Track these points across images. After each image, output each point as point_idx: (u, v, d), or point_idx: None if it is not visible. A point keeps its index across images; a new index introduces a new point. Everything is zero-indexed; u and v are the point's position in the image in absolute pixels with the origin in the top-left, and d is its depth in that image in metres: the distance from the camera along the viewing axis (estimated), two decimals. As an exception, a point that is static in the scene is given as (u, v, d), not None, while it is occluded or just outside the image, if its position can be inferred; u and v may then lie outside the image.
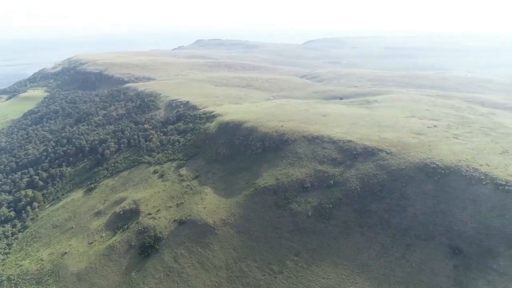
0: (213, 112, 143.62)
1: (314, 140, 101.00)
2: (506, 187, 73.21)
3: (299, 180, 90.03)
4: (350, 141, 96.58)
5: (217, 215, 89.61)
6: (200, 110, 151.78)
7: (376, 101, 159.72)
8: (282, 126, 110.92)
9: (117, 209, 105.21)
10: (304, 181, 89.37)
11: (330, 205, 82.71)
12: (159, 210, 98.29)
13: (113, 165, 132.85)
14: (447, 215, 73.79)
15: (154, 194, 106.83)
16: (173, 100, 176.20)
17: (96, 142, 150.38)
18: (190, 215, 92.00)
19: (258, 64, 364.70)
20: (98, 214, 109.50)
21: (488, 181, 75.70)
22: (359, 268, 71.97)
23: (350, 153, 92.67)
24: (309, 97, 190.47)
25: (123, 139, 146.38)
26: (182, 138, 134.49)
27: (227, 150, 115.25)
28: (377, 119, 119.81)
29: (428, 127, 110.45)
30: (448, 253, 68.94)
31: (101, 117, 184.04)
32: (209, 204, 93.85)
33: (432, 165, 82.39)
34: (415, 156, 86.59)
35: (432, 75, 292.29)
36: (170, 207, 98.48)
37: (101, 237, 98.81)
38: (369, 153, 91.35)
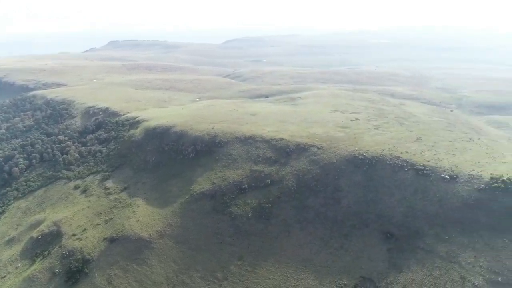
0: (137, 117, 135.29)
1: (247, 140, 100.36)
2: (425, 171, 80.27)
3: (236, 182, 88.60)
4: (282, 139, 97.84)
5: (152, 228, 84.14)
6: (122, 116, 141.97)
7: (300, 98, 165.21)
8: (213, 128, 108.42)
9: (34, 233, 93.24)
10: (241, 182, 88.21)
11: (269, 205, 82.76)
12: (85, 229, 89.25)
13: (24, 184, 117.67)
14: (377, 203, 78.52)
15: (77, 212, 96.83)
16: (90, 107, 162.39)
17: (1, 159, 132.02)
18: (122, 231, 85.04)
19: (180, 65, 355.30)
20: (11, 242, 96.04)
21: (409, 167, 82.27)
22: (302, 264, 73.08)
23: (284, 151, 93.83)
24: (235, 97, 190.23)
25: (34, 154, 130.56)
26: (105, 148, 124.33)
27: (156, 157, 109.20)
28: (304, 116, 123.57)
29: (351, 120, 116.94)
30: (381, 238, 73.31)
31: (3, 131, 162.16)
32: (143, 217, 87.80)
33: (360, 157, 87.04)
34: (344, 149, 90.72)
35: (346, 71, 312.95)
36: (98, 224, 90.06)
37: (16, 268, 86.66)
38: (301, 149, 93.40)
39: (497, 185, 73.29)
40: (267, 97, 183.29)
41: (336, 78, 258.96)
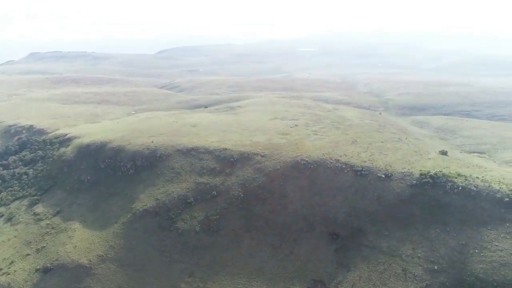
0: (67, 134, 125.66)
1: (189, 152, 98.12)
2: (363, 172, 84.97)
3: (181, 196, 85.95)
4: (226, 149, 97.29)
5: (92, 252, 78.12)
6: (50, 134, 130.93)
7: (240, 106, 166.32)
8: (152, 141, 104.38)
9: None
10: (187, 196, 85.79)
11: (217, 216, 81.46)
12: (12, 262, 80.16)
13: None
14: (322, 205, 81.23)
15: (2, 244, 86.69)
16: (11, 126, 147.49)
17: None
18: (57, 259, 77.84)
19: (111, 77, 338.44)
20: None
21: (348, 169, 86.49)
22: (254, 273, 72.83)
23: (228, 161, 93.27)
24: (173, 108, 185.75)
25: None
26: (32, 170, 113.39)
27: (92, 176, 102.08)
28: (245, 124, 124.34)
29: (291, 127, 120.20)
30: (328, 239, 75.85)
31: None
32: (80, 242, 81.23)
33: (302, 162, 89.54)
34: (287, 155, 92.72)
35: (281, 78, 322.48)
36: (28, 255, 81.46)
37: None
38: (245, 158, 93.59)
39: (426, 180, 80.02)
40: (206, 107, 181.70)
41: (272, 86, 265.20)
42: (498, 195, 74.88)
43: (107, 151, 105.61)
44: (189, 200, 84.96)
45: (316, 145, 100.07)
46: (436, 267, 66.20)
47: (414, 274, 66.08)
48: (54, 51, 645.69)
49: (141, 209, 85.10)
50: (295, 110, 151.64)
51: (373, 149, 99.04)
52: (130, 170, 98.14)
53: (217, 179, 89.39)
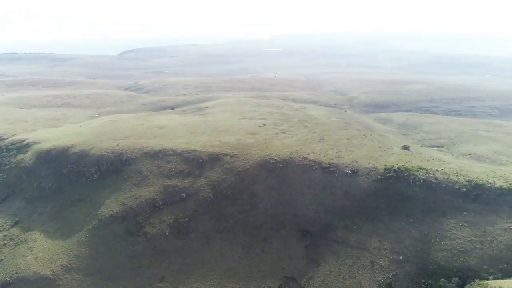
0: (25, 140, 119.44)
1: (157, 155, 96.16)
2: (330, 169, 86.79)
3: (149, 200, 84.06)
4: (194, 150, 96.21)
5: (55, 263, 74.76)
6: (6, 140, 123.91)
7: (208, 107, 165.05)
8: (118, 145, 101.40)
9: None
10: (155, 199, 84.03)
11: (187, 219, 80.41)
12: (-33, 278, 75.10)
13: None
14: (292, 203, 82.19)
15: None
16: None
17: None
18: (16, 272, 73.85)
19: (73, 79, 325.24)
20: None
21: (316, 167, 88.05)
22: (226, 274, 72.52)
23: (197, 162, 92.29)
24: (139, 110, 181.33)
25: None
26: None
27: (53, 182, 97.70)
28: (213, 125, 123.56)
29: (259, 127, 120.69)
30: (298, 236, 76.84)
31: None
32: (42, 252, 77.51)
33: (271, 161, 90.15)
34: (256, 155, 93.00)
35: (248, 79, 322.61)
36: (-15, 269, 76.63)
37: None
38: (214, 159, 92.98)
39: (390, 174, 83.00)
40: (173, 108, 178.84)
41: (239, 86, 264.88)
42: (456, 186, 78.96)
43: (70, 156, 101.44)
44: (157, 204, 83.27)
45: (284, 143, 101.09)
46: (401, 258, 68.78)
47: (381, 265, 68.30)
48: (9, 53, 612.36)
49: (107, 215, 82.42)
50: (263, 110, 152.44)
51: (340, 146, 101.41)
52: (95, 175, 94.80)
53: (186, 181, 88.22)
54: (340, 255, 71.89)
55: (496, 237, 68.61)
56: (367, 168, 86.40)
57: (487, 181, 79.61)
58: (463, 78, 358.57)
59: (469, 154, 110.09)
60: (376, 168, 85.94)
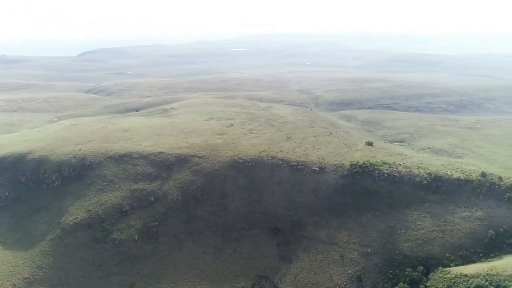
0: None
1: (122, 158, 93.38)
2: (298, 167, 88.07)
3: (115, 205, 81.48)
4: (161, 152, 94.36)
5: (16, 276, 70.71)
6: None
7: (174, 108, 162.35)
8: (80, 149, 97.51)
9: None
10: (122, 204, 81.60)
11: (156, 223, 78.74)
12: None
13: None
14: (262, 202, 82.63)
15: None
16: None
17: None
18: (-27, 289, 69.08)
19: (28, 82, 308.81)
20: None
21: (285, 165, 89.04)
22: (198, 276, 71.74)
23: (164, 165, 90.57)
24: (101, 113, 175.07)
25: None
26: None
27: (11, 191, 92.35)
28: (180, 126, 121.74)
29: (227, 127, 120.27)
30: (270, 235, 77.41)
31: None
32: (1, 265, 73.09)
33: (240, 161, 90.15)
34: (224, 155, 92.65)
35: (214, 79, 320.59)
36: None
37: None
38: (182, 161, 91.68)
39: (356, 170, 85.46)
40: (137, 110, 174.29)
41: (205, 87, 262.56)
42: (418, 179, 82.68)
43: (28, 163, 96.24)
44: (124, 209, 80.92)
45: (252, 143, 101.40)
46: (369, 250, 71.06)
47: (350, 259, 70.20)
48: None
49: (71, 223, 79.02)
50: (230, 110, 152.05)
51: (307, 144, 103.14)
52: (56, 182, 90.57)
53: (154, 184, 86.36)
54: (311, 251, 73.17)
55: (456, 225, 72.50)
56: (334, 164, 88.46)
57: (445, 173, 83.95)
58: (420, 75, 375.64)
59: (428, 148, 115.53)
60: (343, 164, 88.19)
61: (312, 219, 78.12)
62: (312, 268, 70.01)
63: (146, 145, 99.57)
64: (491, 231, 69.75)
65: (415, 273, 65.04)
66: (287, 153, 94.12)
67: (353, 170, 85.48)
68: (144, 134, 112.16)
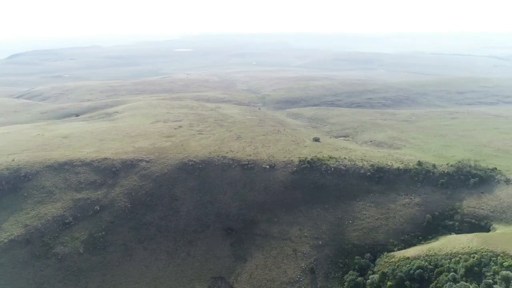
0: None
1: (62, 167, 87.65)
2: (249, 166, 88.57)
3: (57, 217, 76.26)
4: (106, 158, 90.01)
5: None
6: None
7: (117, 112, 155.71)
8: (13, 160, 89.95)
9: None
10: (64, 216, 76.57)
11: (103, 233, 74.92)
12: None
13: None
14: (214, 203, 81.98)
15: None
16: None
17: None
18: None
19: None
20: None
21: (236, 164, 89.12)
22: (152, 284, 69.44)
23: (110, 171, 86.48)
24: (37, 120, 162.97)
25: None
26: None
27: None
28: (125, 130, 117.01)
29: (175, 129, 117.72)
30: (223, 235, 77.02)
31: None
32: None
33: (190, 163, 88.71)
34: (173, 158, 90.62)
35: (159, 80, 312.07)
36: None
37: None
38: (129, 166, 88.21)
39: (305, 165, 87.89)
40: (78, 115, 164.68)
41: (150, 88, 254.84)
42: (362, 171, 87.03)
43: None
44: (67, 220, 75.96)
45: (202, 144, 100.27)
46: (320, 242, 73.44)
47: (303, 252, 72.04)
48: None
49: (6, 240, 72.50)
50: (177, 112, 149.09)
51: (257, 142, 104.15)
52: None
53: (99, 192, 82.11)
54: (265, 248, 73.98)
55: (398, 212, 77.37)
56: (283, 161, 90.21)
57: (386, 164, 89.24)
58: (360, 73, 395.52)
59: (371, 141, 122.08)
60: (292, 161, 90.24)
61: (265, 217, 79.04)
62: (266, 264, 70.82)
63: (89, 152, 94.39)
64: (428, 215, 75.37)
65: (363, 260, 68.37)
66: (237, 152, 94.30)
67: (302, 166, 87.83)
68: (85, 140, 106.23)
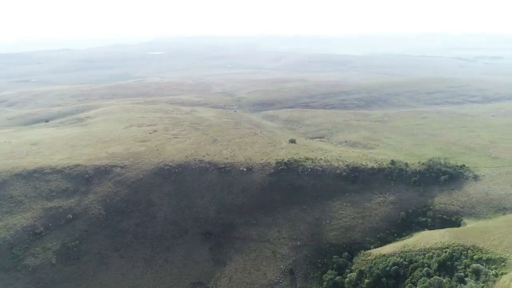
0: None
1: (31, 175, 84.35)
2: (226, 169, 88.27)
3: (26, 228, 73.22)
4: (78, 165, 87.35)
5: None
6: None
7: (89, 117, 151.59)
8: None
9: None
10: (35, 226, 73.64)
11: (77, 242, 72.56)
12: None
13: None
14: (192, 207, 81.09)
15: None
16: None
17: None
18: None
19: None
20: None
21: (213, 168, 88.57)
22: (129, 293, 67.85)
23: (82, 178, 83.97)
24: (3, 127, 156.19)
25: None
26: None
27: None
28: (98, 135, 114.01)
29: (149, 133, 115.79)
30: (202, 239, 76.27)
31: None
32: None
33: (166, 167, 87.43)
34: (149, 163, 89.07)
35: (133, 84, 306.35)
36: None
37: None
38: (102, 172, 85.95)
39: (282, 167, 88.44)
40: (47, 121, 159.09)
41: (123, 92, 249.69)
42: (338, 171, 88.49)
43: None
44: (38, 231, 73.05)
45: (178, 148, 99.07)
46: (299, 243, 74.02)
47: (282, 254, 72.37)
48: None
49: (-28, 254, 68.99)
50: (152, 116, 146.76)
51: (233, 145, 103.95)
52: (-51, 209, 78.31)
53: (72, 200, 79.53)
54: (244, 251, 73.81)
55: (373, 211, 79.12)
56: (260, 164, 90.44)
57: (361, 163, 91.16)
58: (333, 74, 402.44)
59: (345, 142, 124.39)
60: (269, 163, 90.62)
61: (243, 219, 78.91)
62: (246, 267, 70.65)
63: (60, 159, 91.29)
64: (402, 213, 77.51)
65: (341, 259, 69.41)
66: (214, 156, 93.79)
67: (279, 168, 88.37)
68: (56, 147, 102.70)
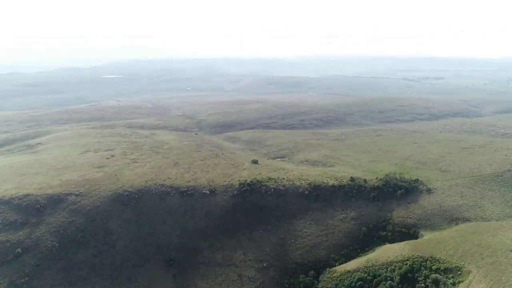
0: None
1: (-26, 207, 77.50)
2: (188, 192, 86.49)
3: (-32, 266, 66.62)
4: (28, 194, 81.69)
5: None
6: None
7: (40, 143, 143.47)
8: None
9: None
10: (-23, 264, 67.15)
11: (26, 278, 67.05)
12: None
13: None
14: (153, 234, 78.09)
15: None
16: None
17: None
18: None
19: None
20: None
21: (174, 192, 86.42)
22: (86, 331, 63.15)
23: (33, 208, 78.44)
24: None
25: None
26: None
27: None
28: (50, 163, 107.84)
29: (107, 158, 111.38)
30: (165, 267, 73.32)
31: None
32: None
33: (125, 193, 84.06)
34: (106, 189, 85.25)
35: (87, 108, 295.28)
36: None
37: None
38: (55, 201, 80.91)
39: (245, 188, 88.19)
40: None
41: (77, 117, 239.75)
42: (300, 190, 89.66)
43: None
44: (-19, 268, 66.71)
45: (137, 173, 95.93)
46: (265, 264, 73.28)
47: (248, 276, 71.17)
48: None
49: None
50: (109, 140, 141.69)
51: (195, 168, 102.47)
52: None
53: (21, 233, 73.74)
54: (210, 276, 71.79)
55: (336, 227, 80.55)
56: (223, 185, 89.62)
57: (322, 181, 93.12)
58: (290, 96, 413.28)
59: (306, 161, 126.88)
60: (232, 184, 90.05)
61: (207, 243, 77.10)
62: (212, 293, 68.54)
63: (7, 188, 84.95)
64: (364, 228, 79.61)
65: (307, 278, 69.47)
66: (175, 179, 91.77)
67: (242, 189, 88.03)
68: (3, 176, 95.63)
